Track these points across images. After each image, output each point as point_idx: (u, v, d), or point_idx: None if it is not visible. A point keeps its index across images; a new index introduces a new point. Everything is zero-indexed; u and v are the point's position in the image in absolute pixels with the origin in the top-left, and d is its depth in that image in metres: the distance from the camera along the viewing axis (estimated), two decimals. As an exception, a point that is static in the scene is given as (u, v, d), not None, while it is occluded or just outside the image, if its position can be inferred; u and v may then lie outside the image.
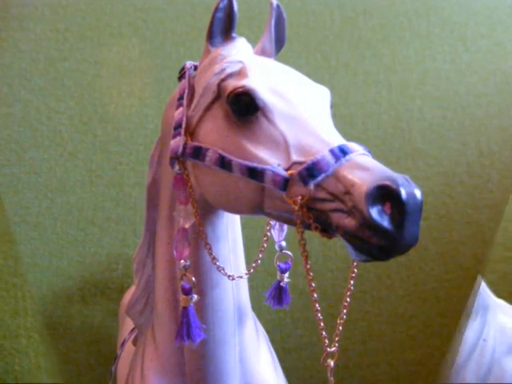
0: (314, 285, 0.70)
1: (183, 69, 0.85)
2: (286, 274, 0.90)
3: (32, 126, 1.69)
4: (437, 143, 1.75)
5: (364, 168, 0.64)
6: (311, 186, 0.65)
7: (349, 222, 0.61)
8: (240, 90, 0.72)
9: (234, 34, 0.80)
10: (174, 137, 0.78)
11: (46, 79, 1.72)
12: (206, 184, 0.76)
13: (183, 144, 0.76)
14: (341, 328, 0.71)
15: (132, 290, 1.15)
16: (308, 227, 0.67)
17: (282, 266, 0.90)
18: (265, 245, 0.92)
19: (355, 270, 0.70)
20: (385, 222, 0.59)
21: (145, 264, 0.92)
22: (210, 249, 0.80)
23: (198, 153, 0.75)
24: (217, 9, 0.76)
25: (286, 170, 0.67)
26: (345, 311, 0.71)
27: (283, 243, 0.91)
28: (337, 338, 0.71)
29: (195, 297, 0.78)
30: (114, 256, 1.69)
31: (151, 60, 1.80)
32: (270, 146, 0.70)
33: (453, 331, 1.74)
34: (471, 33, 1.83)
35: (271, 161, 0.69)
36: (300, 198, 0.65)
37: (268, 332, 1.07)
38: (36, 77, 1.72)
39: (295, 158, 0.68)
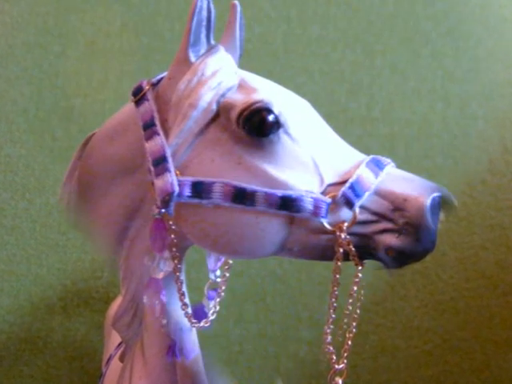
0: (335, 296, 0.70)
1: (141, 90, 0.75)
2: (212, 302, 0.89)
3: (8, 119, 1.66)
4: (457, 138, 1.70)
5: (408, 180, 0.66)
6: (357, 207, 0.65)
7: (402, 241, 0.63)
8: (258, 105, 0.66)
9: (213, 41, 0.74)
10: (158, 175, 0.69)
11: (22, 67, 1.66)
12: (204, 227, 0.70)
13: (177, 181, 0.68)
14: (350, 342, 0.70)
15: (119, 300, 1.14)
16: (346, 256, 0.66)
17: (212, 294, 0.89)
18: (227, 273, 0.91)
19: (359, 275, 0.70)
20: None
21: (133, 270, 0.90)
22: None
23: (200, 190, 0.68)
24: (196, 9, 0.69)
25: (321, 193, 0.66)
26: (354, 324, 0.70)
27: (218, 272, 0.89)
28: (345, 354, 0.70)
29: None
30: (98, 262, 1.68)
31: (136, 38, 1.59)
32: (299, 168, 0.68)
33: (473, 345, 1.73)
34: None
35: (303, 186, 0.67)
36: (346, 223, 0.65)
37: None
38: (12, 64, 1.65)
39: (329, 179, 0.67)
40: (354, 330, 0.70)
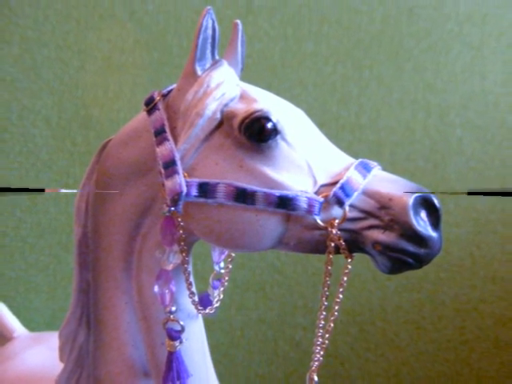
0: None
1: (152, 100, 0.76)
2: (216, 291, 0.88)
3: (32, 127, 1.58)
4: (437, 144, 1.62)
5: (392, 181, 0.67)
6: (347, 206, 0.66)
7: (387, 236, 0.63)
8: (258, 113, 0.67)
9: (217, 56, 0.75)
10: (168, 176, 0.69)
11: (19, 68, 1.55)
12: (209, 224, 0.70)
13: (185, 182, 0.69)
14: (332, 325, 0.71)
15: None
16: (337, 250, 0.68)
17: (216, 283, 0.88)
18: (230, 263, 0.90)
19: (349, 266, 0.70)
20: (427, 230, 0.64)
21: (76, 335, 0.83)
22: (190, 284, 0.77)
23: (205, 190, 0.68)
24: (202, 27, 0.70)
25: (315, 193, 0.67)
26: (337, 307, 0.71)
27: (221, 264, 0.90)
28: (327, 335, 0.71)
29: (184, 340, 0.75)
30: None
31: (147, 53, 1.55)
32: (295, 171, 0.68)
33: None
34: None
35: (298, 186, 0.67)
36: (337, 220, 0.66)
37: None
38: (7, 65, 1.55)
39: (321, 180, 0.68)
40: (336, 313, 0.70)
